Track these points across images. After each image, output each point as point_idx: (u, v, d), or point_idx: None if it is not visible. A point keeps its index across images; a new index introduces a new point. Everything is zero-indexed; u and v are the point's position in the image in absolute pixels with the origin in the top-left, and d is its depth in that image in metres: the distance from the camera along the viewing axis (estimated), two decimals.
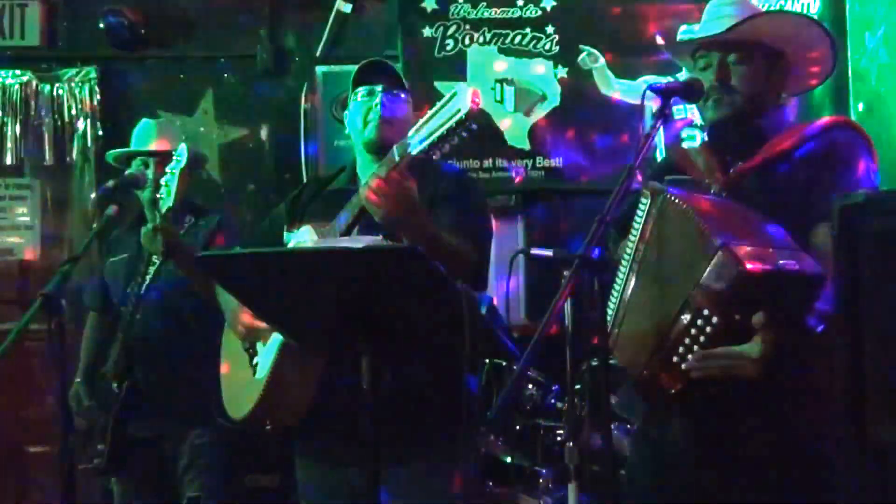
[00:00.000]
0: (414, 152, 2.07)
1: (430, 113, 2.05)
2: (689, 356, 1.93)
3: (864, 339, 1.45)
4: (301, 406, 2.31)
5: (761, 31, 2.17)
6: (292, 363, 2.26)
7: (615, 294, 2.10)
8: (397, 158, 2.11)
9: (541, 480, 3.39)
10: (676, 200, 2.02)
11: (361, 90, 2.46)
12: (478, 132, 2.03)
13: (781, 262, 1.86)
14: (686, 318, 1.93)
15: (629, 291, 2.08)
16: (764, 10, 2.28)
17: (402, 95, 2.46)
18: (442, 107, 2.03)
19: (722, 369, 1.91)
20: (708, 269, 1.87)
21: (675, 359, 1.96)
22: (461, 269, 2.15)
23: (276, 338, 2.28)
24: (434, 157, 2.08)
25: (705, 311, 1.90)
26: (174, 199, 2.90)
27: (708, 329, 1.91)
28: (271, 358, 2.28)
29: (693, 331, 1.93)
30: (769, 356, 1.87)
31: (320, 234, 2.31)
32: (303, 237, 2.35)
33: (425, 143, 2.04)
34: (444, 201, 2.38)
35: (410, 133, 2.09)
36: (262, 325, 2.29)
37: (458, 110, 1.99)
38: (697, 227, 1.93)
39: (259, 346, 2.37)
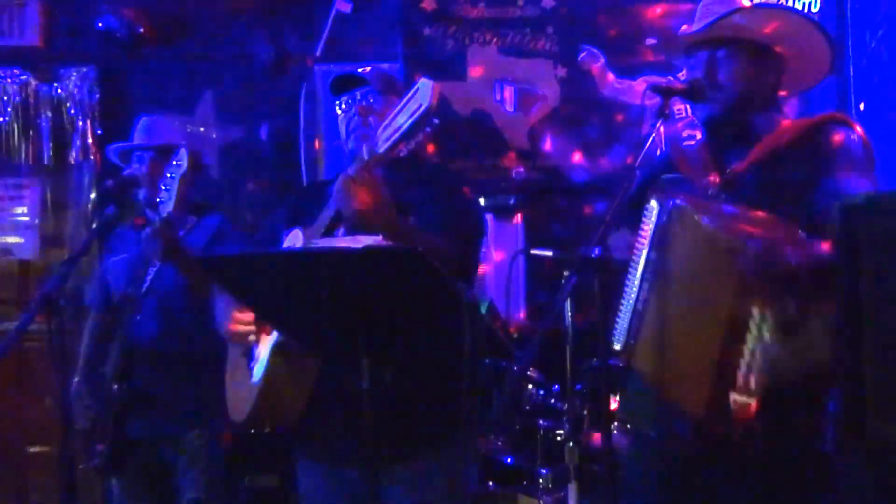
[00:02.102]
0: (381, 151, 2.09)
1: (395, 110, 2.07)
2: (754, 367, 1.82)
3: (863, 341, 1.45)
4: (298, 407, 2.30)
5: (744, 26, 2.15)
6: (286, 365, 2.26)
7: (626, 303, 2.07)
8: (366, 157, 2.13)
9: (541, 480, 3.39)
10: (688, 210, 1.98)
11: (343, 99, 2.50)
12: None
13: (807, 252, 1.82)
14: (738, 329, 1.84)
15: (641, 302, 2.04)
16: (749, 5, 2.26)
17: (381, 99, 2.46)
18: (405, 103, 2.04)
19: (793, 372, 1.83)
20: (749, 270, 1.81)
21: (739, 377, 1.85)
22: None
23: (271, 340, 2.28)
24: (401, 153, 2.09)
25: (755, 312, 1.81)
26: (174, 203, 2.89)
27: (765, 330, 1.80)
28: (265, 361, 2.28)
29: (750, 339, 1.82)
30: (833, 332, 1.76)
31: (306, 237, 2.33)
32: (293, 240, 2.36)
33: (391, 141, 2.06)
34: (432, 201, 2.38)
35: (378, 131, 2.11)
36: (247, 332, 2.31)
37: (420, 105, 2.00)
38: (718, 237, 1.89)
39: (256, 349, 2.38)
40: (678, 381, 1.96)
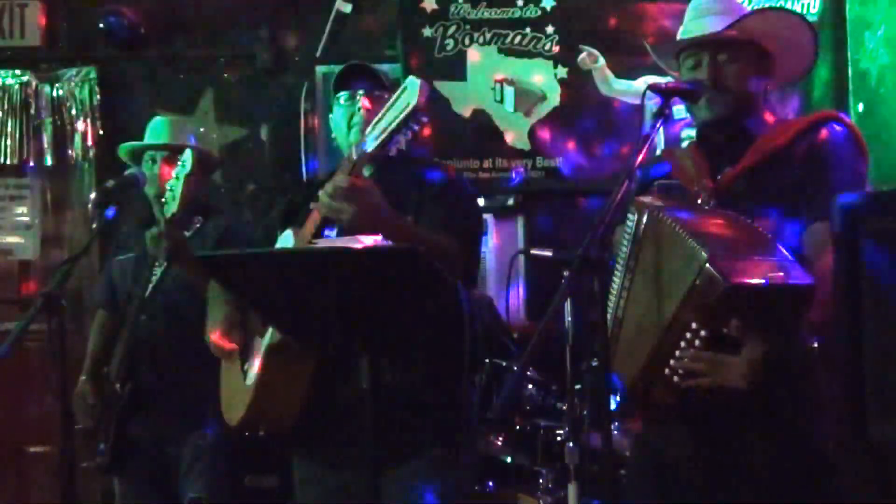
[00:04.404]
0: (369, 150, 2.08)
1: (383, 109, 2.06)
2: (680, 370, 1.94)
3: (863, 340, 1.45)
4: (292, 411, 2.30)
5: (757, 30, 2.16)
6: (280, 368, 2.26)
7: (609, 310, 2.09)
8: (354, 158, 2.12)
9: (541, 480, 3.39)
10: (663, 217, 2.01)
11: (343, 94, 2.45)
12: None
13: (770, 274, 1.85)
14: (676, 332, 1.93)
15: (622, 309, 2.08)
16: (749, 7, 2.28)
17: (385, 96, 2.44)
18: (394, 102, 2.03)
19: (710, 380, 1.91)
20: (695, 284, 1.87)
21: (666, 371, 1.96)
22: (445, 267, 2.14)
23: (264, 343, 2.27)
24: (389, 152, 2.08)
25: (694, 325, 1.90)
26: (179, 204, 2.89)
27: (697, 343, 1.91)
28: (258, 363, 2.28)
29: (683, 344, 1.93)
30: (757, 368, 1.87)
31: (298, 238, 2.31)
32: (285, 242, 2.35)
33: (379, 140, 2.05)
34: (431, 201, 2.37)
35: (367, 131, 2.10)
36: (229, 345, 2.34)
37: (408, 104, 1.99)
38: (685, 242, 1.93)
39: (250, 351, 2.37)
40: (625, 356, 2.06)
